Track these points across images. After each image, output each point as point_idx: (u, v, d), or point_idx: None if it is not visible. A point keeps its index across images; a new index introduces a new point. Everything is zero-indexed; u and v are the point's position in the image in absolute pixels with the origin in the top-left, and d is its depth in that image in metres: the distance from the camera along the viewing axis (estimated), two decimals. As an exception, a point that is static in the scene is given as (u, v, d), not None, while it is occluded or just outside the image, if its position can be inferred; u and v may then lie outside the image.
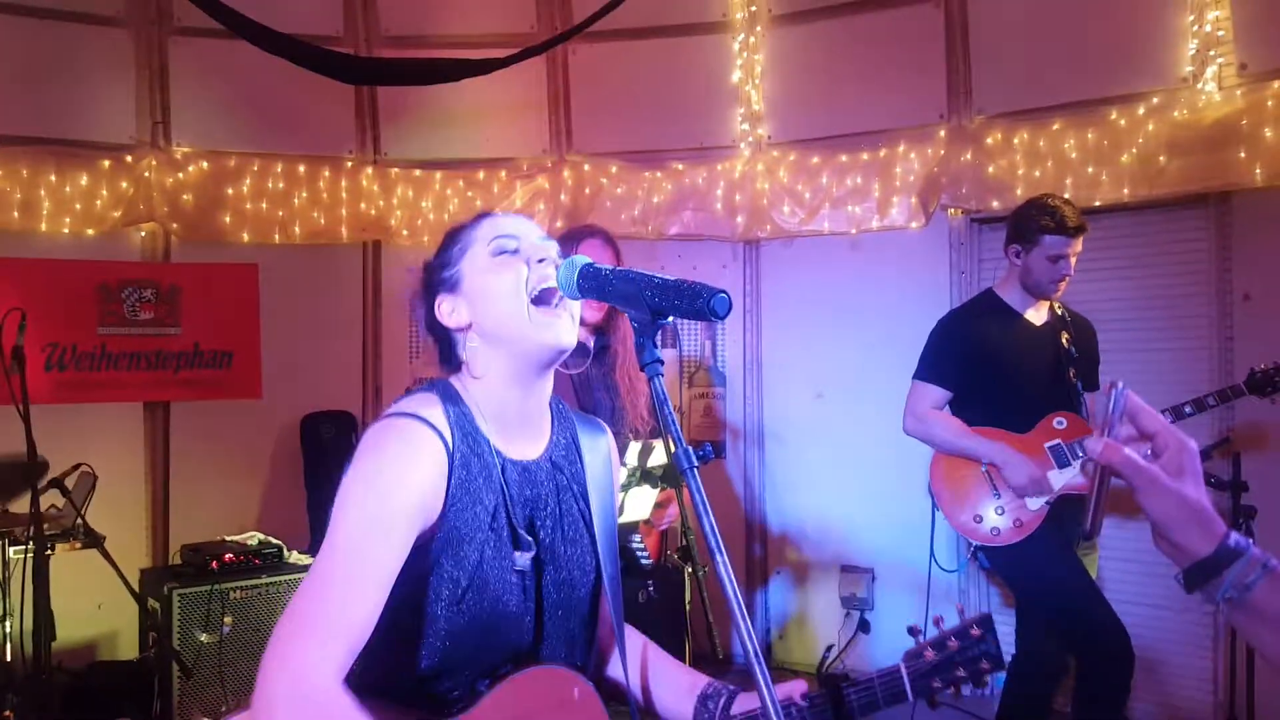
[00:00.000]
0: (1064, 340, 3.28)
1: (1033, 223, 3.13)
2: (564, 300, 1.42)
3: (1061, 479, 3.09)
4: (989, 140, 4.45)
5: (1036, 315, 3.28)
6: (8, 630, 3.53)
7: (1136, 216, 4.21)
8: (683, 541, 2.52)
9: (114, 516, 4.32)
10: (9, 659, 3.52)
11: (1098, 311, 4.22)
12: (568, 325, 1.43)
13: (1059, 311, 3.32)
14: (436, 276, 1.51)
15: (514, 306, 1.41)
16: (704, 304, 1.09)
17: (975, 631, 1.40)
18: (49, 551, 3.37)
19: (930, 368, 3.22)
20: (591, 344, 2.86)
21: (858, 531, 4.83)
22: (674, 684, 1.61)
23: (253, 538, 4.21)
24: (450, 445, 1.39)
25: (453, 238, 1.53)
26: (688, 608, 3.79)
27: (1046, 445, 3.12)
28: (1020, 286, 3.23)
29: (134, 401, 4.87)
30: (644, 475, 2.73)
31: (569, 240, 2.84)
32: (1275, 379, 3.13)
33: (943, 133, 4.58)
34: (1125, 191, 4.11)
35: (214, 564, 3.89)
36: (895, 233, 4.75)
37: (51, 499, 3.70)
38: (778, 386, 5.14)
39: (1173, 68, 4.08)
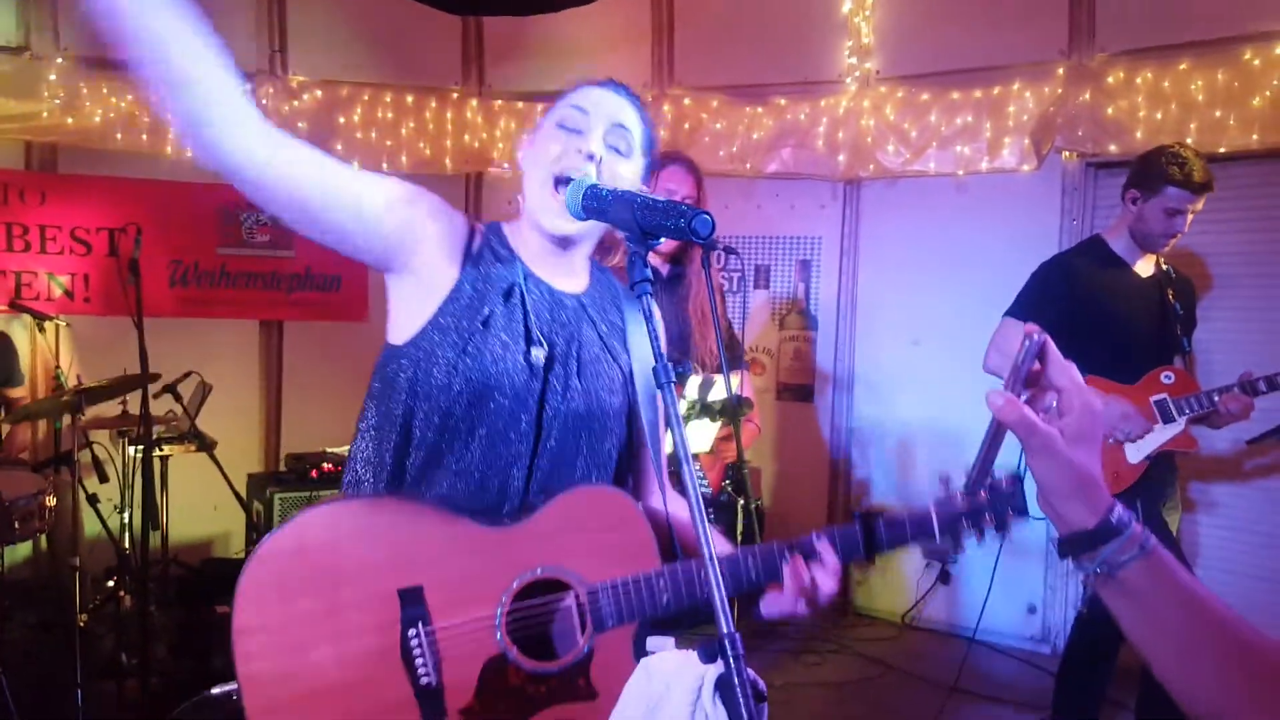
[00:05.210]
0: (1169, 296, 3.12)
1: (1159, 170, 2.95)
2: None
3: (1165, 435, 2.99)
4: (1110, 80, 4.19)
5: (1144, 267, 3.12)
6: (125, 521, 3.86)
7: (1264, 165, 3.90)
8: (731, 475, 2.53)
9: (231, 424, 4.65)
10: (127, 547, 3.85)
11: (1218, 265, 4.00)
12: (566, 216, 1.39)
13: (1164, 267, 3.16)
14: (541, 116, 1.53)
15: (538, 181, 1.46)
16: (685, 223, 1.11)
17: (1006, 485, 1.45)
18: (160, 452, 3.65)
19: (1025, 306, 3.09)
20: (665, 271, 2.87)
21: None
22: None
23: (351, 450, 4.44)
24: (478, 233, 1.48)
25: (570, 90, 1.52)
26: (739, 539, 3.81)
27: (1152, 399, 3.01)
28: (1130, 235, 3.08)
29: (250, 319, 5.16)
30: (703, 409, 2.74)
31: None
32: None
33: (1061, 70, 4.33)
34: (1255, 138, 3.81)
35: (314, 472, 4.15)
36: (1004, 175, 4.55)
37: (169, 404, 4.00)
38: (872, 331, 5.04)
39: (1316, 2, 3.75)
